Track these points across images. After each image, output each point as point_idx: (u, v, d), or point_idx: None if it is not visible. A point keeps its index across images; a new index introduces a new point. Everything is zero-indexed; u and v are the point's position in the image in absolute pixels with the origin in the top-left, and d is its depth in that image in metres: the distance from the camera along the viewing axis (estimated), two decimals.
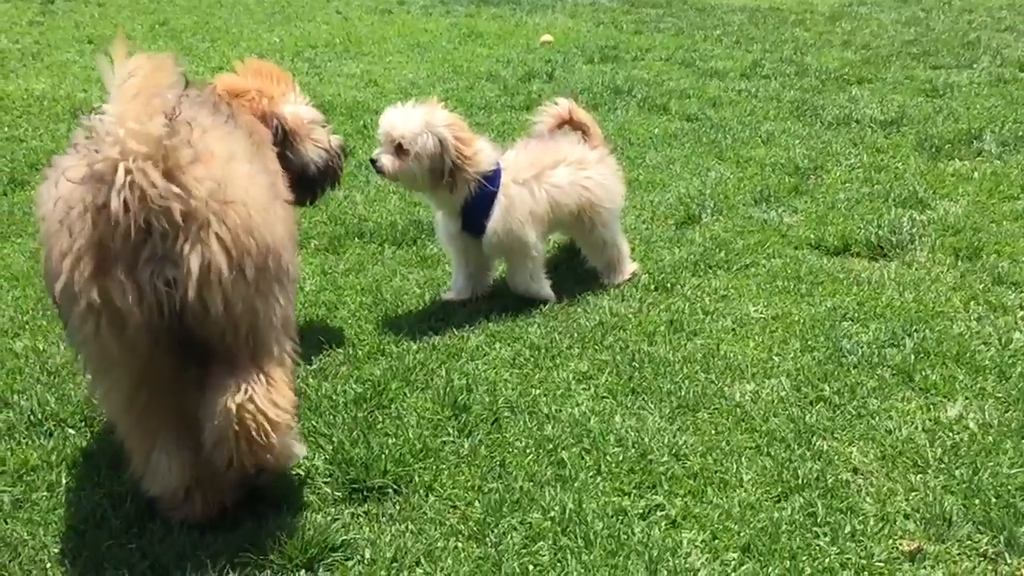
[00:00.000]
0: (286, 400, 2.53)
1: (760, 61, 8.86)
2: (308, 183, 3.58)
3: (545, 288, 4.10)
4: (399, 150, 3.74)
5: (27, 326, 3.80)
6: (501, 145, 4.12)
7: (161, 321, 2.27)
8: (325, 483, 2.88)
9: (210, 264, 2.23)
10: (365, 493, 2.85)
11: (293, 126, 3.49)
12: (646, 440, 3.09)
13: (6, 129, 6.42)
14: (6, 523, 2.70)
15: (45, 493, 2.83)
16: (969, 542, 2.66)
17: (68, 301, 2.27)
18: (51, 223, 2.30)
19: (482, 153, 3.88)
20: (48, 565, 2.55)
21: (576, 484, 2.89)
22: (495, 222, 3.86)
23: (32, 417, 3.16)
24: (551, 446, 3.08)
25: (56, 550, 2.60)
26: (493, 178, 3.86)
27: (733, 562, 2.58)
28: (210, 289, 2.25)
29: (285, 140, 3.47)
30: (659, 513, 2.78)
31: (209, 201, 2.24)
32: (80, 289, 2.22)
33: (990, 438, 3.10)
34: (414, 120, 3.74)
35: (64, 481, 2.87)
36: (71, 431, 3.12)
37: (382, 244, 4.70)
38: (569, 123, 4.23)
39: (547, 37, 10.03)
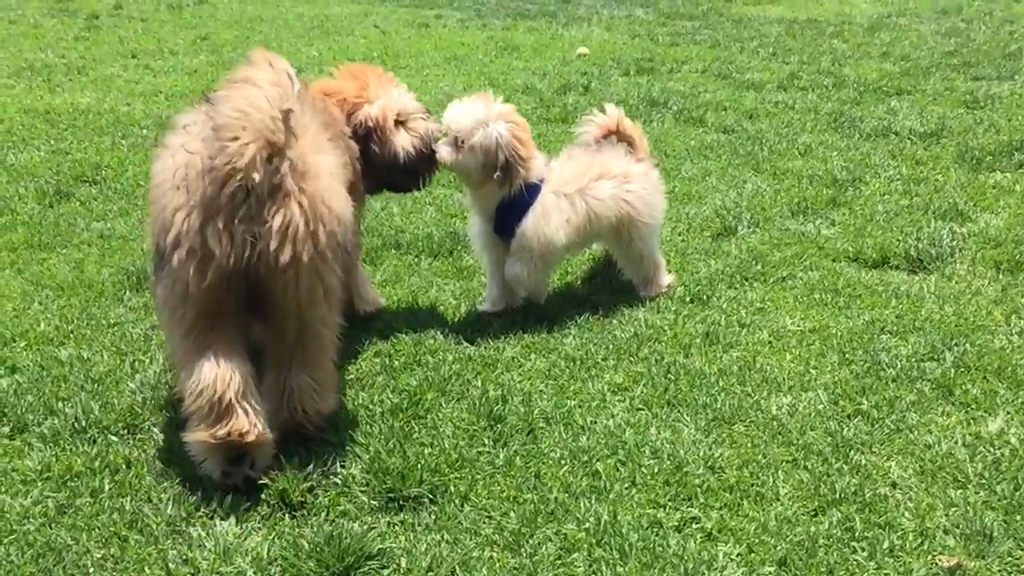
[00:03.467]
0: (329, 388, 3.11)
1: (797, 73, 8.82)
2: (404, 171, 3.84)
3: (542, 288, 4.10)
4: (456, 143, 3.80)
5: (72, 335, 3.87)
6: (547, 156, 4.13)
7: (242, 266, 2.75)
8: (362, 492, 2.91)
9: (290, 224, 2.73)
10: (401, 502, 2.87)
11: (379, 120, 3.74)
12: (681, 452, 3.08)
13: (52, 142, 6.55)
14: (51, 528, 2.75)
15: (89, 499, 2.88)
16: (1010, 558, 2.62)
17: (173, 247, 2.75)
18: (167, 186, 2.80)
19: (535, 160, 3.92)
20: (91, 570, 2.60)
21: (611, 495, 2.89)
22: (526, 227, 3.89)
23: (76, 424, 3.22)
24: (586, 457, 3.08)
25: (99, 555, 2.65)
26: (533, 190, 3.90)
27: None
28: (286, 244, 2.74)
29: (370, 134, 3.74)
30: (694, 526, 2.77)
31: (295, 176, 2.75)
32: (186, 236, 2.73)
33: None
34: (472, 115, 3.81)
35: (107, 487, 2.92)
36: (114, 438, 3.17)
37: (418, 255, 4.74)
38: (616, 134, 4.23)
39: (583, 50, 10.05)
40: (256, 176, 2.68)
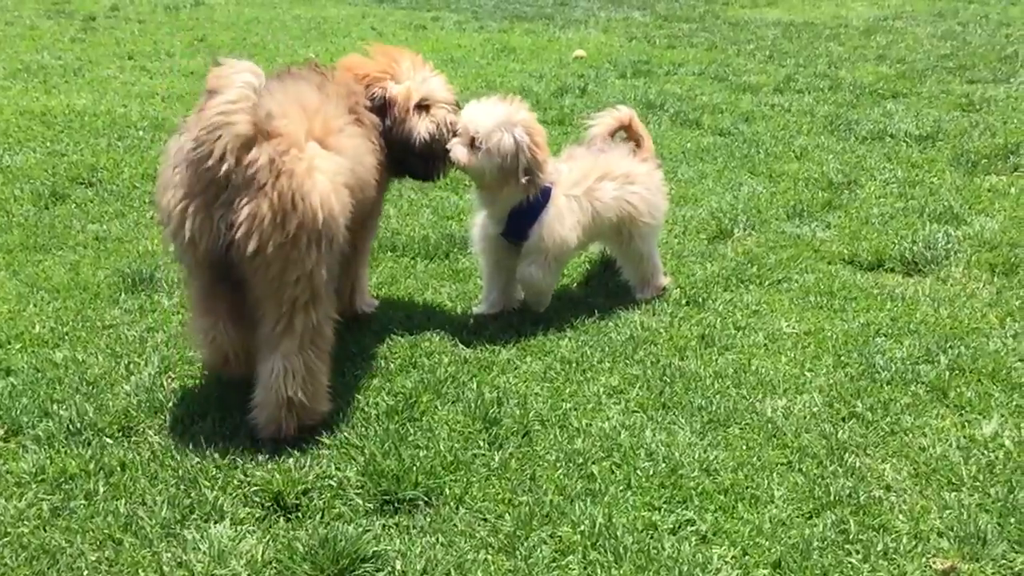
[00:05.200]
0: (317, 368, 3.17)
1: (793, 75, 8.83)
2: (417, 156, 3.83)
3: (548, 294, 4.11)
4: (473, 144, 3.80)
5: (67, 337, 3.86)
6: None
7: (220, 250, 2.99)
8: (357, 494, 2.91)
9: (256, 215, 2.93)
10: (396, 505, 2.87)
11: (397, 99, 3.75)
12: (677, 455, 3.09)
13: (48, 144, 6.54)
14: (45, 531, 2.75)
15: (83, 501, 2.87)
16: (1004, 561, 2.63)
17: (165, 224, 3.11)
18: (167, 167, 3.10)
19: (550, 164, 3.94)
20: (85, 572, 2.60)
21: (606, 498, 2.89)
22: (542, 229, 3.90)
23: (71, 427, 3.22)
24: (581, 460, 3.08)
25: (93, 557, 2.65)
26: (544, 192, 3.92)
27: None
28: (252, 233, 2.93)
29: (384, 109, 3.74)
30: (689, 528, 2.77)
31: (270, 171, 2.94)
32: (172, 217, 3.03)
33: None
34: (491, 117, 3.79)
35: (101, 489, 2.92)
36: (109, 441, 3.17)
37: (414, 258, 4.73)
38: (626, 130, 4.31)
39: (580, 52, 10.05)
40: (225, 167, 2.90)
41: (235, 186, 2.94)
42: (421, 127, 3.79)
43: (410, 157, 3.83)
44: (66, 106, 7.56)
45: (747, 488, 2.94)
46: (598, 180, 4.03)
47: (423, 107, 3.82)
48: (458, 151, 3.81)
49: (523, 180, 3.81)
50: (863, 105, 7.73)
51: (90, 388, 3.47)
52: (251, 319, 3.20)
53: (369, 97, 3.72)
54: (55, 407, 3.33)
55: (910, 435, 3.21)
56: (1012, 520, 2.77)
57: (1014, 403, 3.38)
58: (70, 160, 6.18)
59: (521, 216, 3.94)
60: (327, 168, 3.09)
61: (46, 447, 3.13)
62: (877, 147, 6.54)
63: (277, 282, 3.04)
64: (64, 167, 6.02)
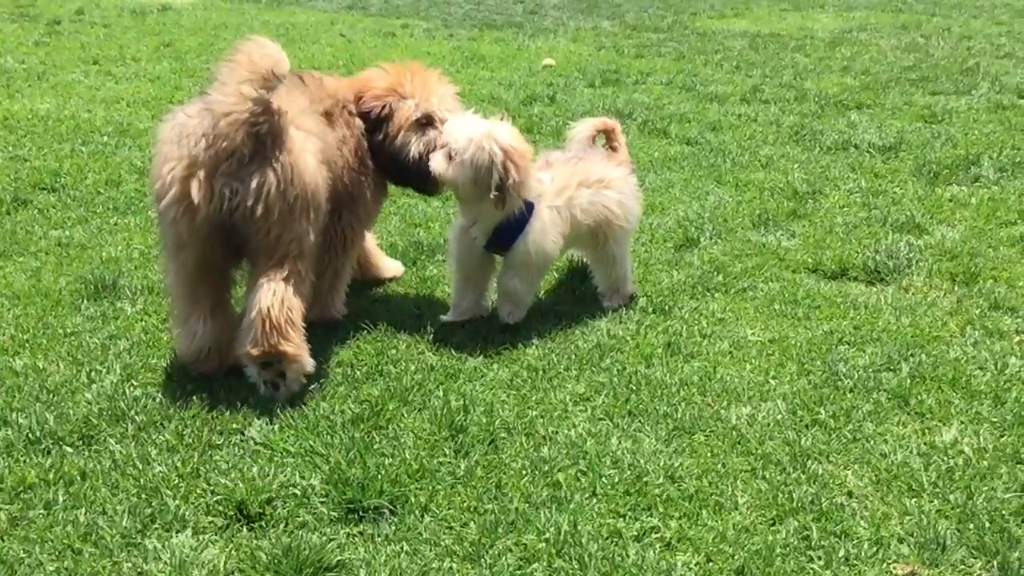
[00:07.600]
0: (295, 305, 3.42)
1: (760, 86, 8.92)
2: (408, 169, 4.01)
3: (528, 306, 4.12)
4: (449, 155, 3.81)
5: (27, 344, 3.81)
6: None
7: (220, 217, 3.30)
8: (321, 503, 2.89)
9: (264, 183, 3.29)
10: (361, 513, 2.85)
11: (391, 117, 3.96)
12: (642, 462, 3.10)
13: (10, 149, 6.46)
14: (3, 541, 2.70)
15: (42, 511, 2.83)
16: (963, 566, 2.67)
17: (162, 195, 3.31)
18: (165, 141, 3.37)
19: (531, 181, 3.94)
20: None
21: (571, 506, 2.89)
22: (527, 243, 3.92)
23: (31, 435, 3.17)
24: (547, 467, 3.08)
25: (52, 568, 2.61)
26: (527, 205, 3.93)
27: None
28: (260, 201, 3.29)
29: (380, 123, 3.97)
30: (654, 535, 2.78)
31: (274, 147, 3.32)
32: (173, 184, 3.28)
33: (985, 463, 3.11)
34: (469, 131, 3.81)
35: (61, 499, 2.88)
36: (69, 449, 3.13)
37: None
38: (606, 135, 4.43)
39: (549, 61, 10.09)
40: (239, 140, 3.25)
41: (240, 158, 3.27)
42: (412, 146, 3.95)
43: (406, 171, 4.00)
44: (29, 110, 7.47)
45: (711, 495, 2.96)
46: (577, 188, 4.06)
47: (424, 125, 3.96)
48: (436, 161, 3.84)
49: (492, 196, 3.81)
50: (828, 116, 7.83)
51: (50, 396, 3.43)
52: (231, 312, 3.59)
53: (361, 111, 3.95)
54: (14, 415, 3.28)
55: (872, 442, 3.24)
56: (971, 526, 2.80)
57: (973, 410, 3.43)
58: (32, 165, 6.11)
59: (506, 228, 3.95)
60: (311, 148, 3.48)
61: (4, 456, 3.08)
62: (841, 157, 6.62)
63: (275, 241, 3.39)
64: (26, 172, 5.95)
